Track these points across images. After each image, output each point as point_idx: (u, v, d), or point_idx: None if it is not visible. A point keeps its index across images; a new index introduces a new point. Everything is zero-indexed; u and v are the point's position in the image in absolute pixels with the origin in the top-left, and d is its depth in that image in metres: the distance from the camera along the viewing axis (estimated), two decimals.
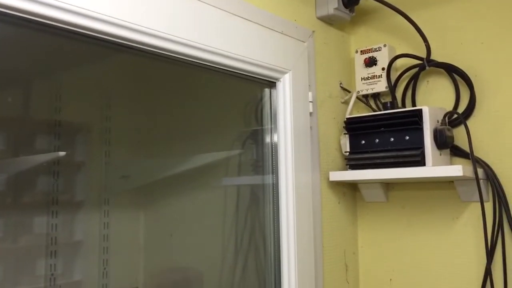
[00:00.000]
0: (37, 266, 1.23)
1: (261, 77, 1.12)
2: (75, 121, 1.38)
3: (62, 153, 1.27)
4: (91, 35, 0.82)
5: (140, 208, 1.51)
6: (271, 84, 1.16)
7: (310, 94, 1.21)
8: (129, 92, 1.45)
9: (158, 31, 0.88)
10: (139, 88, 1.44)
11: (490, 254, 1.11)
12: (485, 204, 1.11)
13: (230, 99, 1.31)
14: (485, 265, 1.12)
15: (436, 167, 1.09)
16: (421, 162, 1.10)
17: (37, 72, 1.23)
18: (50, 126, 1.29)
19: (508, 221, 1.10)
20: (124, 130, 1.48)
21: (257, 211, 1.25)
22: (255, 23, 1.08)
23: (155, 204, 1.52)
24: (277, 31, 1.13)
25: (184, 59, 0.96)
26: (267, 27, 1.11)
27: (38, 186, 1.25)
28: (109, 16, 0.81)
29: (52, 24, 0.77)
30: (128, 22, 0.84)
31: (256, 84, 1.17)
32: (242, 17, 1.05)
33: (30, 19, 0.75)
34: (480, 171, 1.10)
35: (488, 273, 1.11)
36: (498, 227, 1.11)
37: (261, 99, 1.19)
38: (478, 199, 1.10)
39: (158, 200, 1.52)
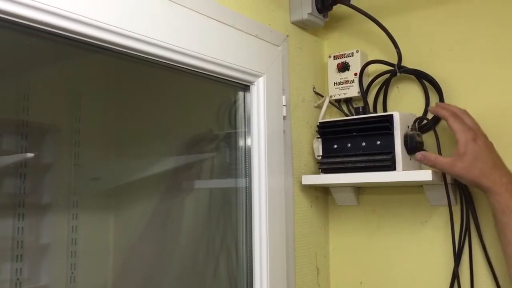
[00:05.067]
0: (2, 270, 1.19)
1: (235, 80, 1.12)
2: (44, 122, 1.34)
3: (30, 155, 1.24)
4: (63, 34, 0.80)
5: (110, 211, 1.48)
6: (245, 87, 1.16)
7: (283, 98, 1.22)
8: (100, 93, 1.43)
9: (133, 32, 0.87)
10: (111, 89, 1.42)
11: (457, 257, 1.14)
12: (453, 208, 1.14)
13: (204, 101, 1.30)
14: (452, 268, 1.15)
15: (406, 171, 1.11)
16: (391, 166, 1.12)
17: (4, 71, 1.20)
18: (17, 126, 1.26)
19: (475, 225, 1.13)
20: (94, 131, 1.45)
21: (229, 214, 1.24)
22: (231, 26, 1.08)
23: (125, 207, 1.50)
24: (252, 35, 1.13)
25: (159, 61, 0.95)
26: (242, 31, 1.10)
27: (4, 188, 1.21)
28: (83, 16, 0.79)
29: (21, 22, 0.74)
30: (103, 22, 0.82)
31: (230, 87, 1.17)
32: (219, 21, 1.04)
33: None
34: (448, 176, 1.12)
35: (455, 276, 1.14)
36: (465, 231, 1.14)
37: (235, 102, 1.19)
38: (447, 203, 1.13)
39: (128, 203, 1.50)
